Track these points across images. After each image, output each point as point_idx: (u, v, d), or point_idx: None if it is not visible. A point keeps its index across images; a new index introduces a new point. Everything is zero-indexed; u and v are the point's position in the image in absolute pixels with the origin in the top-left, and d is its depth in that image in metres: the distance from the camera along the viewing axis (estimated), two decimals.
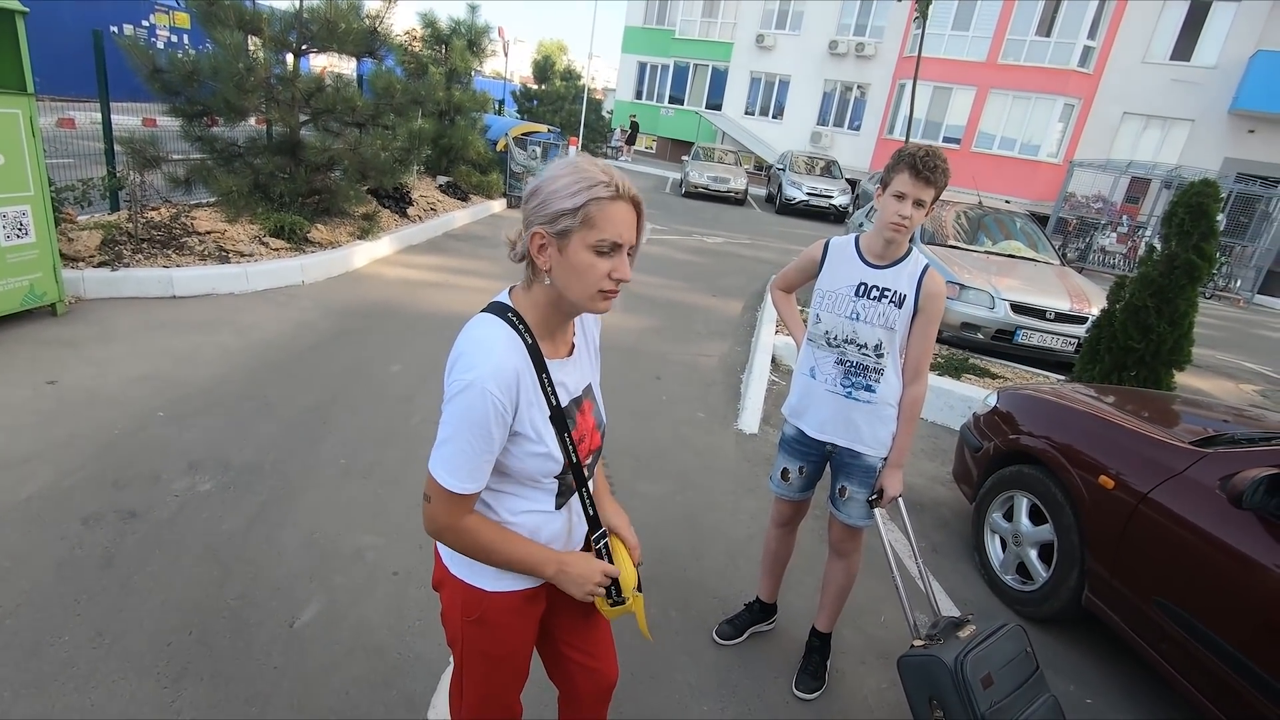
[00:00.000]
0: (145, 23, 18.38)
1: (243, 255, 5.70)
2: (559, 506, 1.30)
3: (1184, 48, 18.46)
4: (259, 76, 6.01)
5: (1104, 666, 2.70)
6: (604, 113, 28.69)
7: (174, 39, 18.44)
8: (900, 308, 2.03)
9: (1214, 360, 8.24)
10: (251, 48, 6.41)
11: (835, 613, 2.41)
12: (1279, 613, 1.97)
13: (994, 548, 3.17)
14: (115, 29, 14.07)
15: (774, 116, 25.58)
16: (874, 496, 2.18)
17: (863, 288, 2.07)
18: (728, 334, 6.45)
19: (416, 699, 2.09)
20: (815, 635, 2.45)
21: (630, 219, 1.13)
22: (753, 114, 26.08)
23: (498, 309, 1.19)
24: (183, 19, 18.42)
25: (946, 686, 1.80)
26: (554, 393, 1.21)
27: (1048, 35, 19.21)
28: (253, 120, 6.69)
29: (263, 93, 6.18)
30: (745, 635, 2.56)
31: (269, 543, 2.66)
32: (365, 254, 6.84)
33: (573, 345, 1.31)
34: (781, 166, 19.22)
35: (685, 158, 20.41)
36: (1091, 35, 18.81)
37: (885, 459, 2.17)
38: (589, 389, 1.36)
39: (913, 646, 1.98)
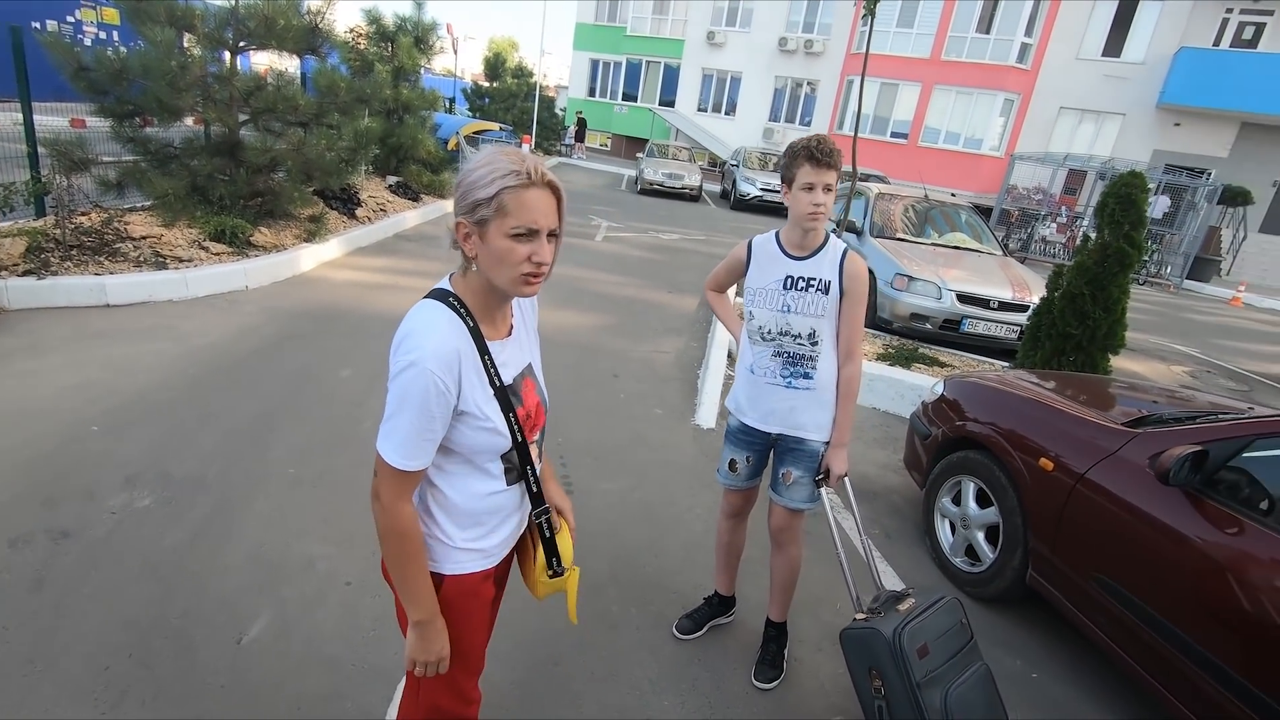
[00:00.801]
0: (71, 19, 17.51)
1: (181, 261, 5.49)
2: (510, 484, 1.34)
3: (1114, 45, 19.29)
4: (193, 74, 5.79)
5: (1049, 642, 2.80)
6: (557, 110, 28.51)
7: (102, 36, 17.62)
8: (827, 294, 2.11)
9: (1147, 344, 8.64)
10: (187, 44, 6.18)
11: (786, 602, 2.45)
12: (1205, 584, 2.08)
13: (944, 531, 3.26)
14: (38, 25, 13.36)
15: (727, 113, 25.80)
16: (821, 477, 2.23)
17: (789, 280, 2.14)
18: (684, 330, 6.48)
19: (372, 709, 2.04)
20: (770, 625, 2.48)
21: (546, 204, 1.18)
22: (705, 110, 26.26)
23: (439, 294, 1.23)
24: (111, 15, 17.61)
25: (884, 657, 1.87)
26: (497, 373, 1.25)
27: (987, 32, 19.83)
28: (190, 120, 6.45)
29: (198, 91, 5.96)
30: (704, 629, 2.58)
31: (213, 557, 2.57)
32: (312, 257, 6.66)
33: (511, 326, 1.35)
34: (735, 162, 19.41)
35: (640, 155, 20.45)
36: (1028, 32, 19.49)
37: (828, 441, 2.22)
38: (529, 368, 1.40)
39: (855, 620, 2.03)
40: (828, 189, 2.01)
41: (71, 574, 2.39)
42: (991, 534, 3.00)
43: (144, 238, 5.62)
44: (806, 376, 2.18)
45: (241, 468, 3.17)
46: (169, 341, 4.41)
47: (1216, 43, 18.27)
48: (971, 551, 3.10)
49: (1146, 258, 15.46)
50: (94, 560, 2.47)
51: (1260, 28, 18.14)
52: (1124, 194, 4.49)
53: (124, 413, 3.48)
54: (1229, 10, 18.19)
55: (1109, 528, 2.42)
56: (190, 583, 2.43)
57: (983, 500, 3.06)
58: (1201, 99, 17.67)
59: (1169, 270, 16.00)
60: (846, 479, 2.25)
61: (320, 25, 6.63)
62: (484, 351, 1.22)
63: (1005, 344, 6.33)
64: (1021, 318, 6.17)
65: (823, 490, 2.26)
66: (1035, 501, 2.73)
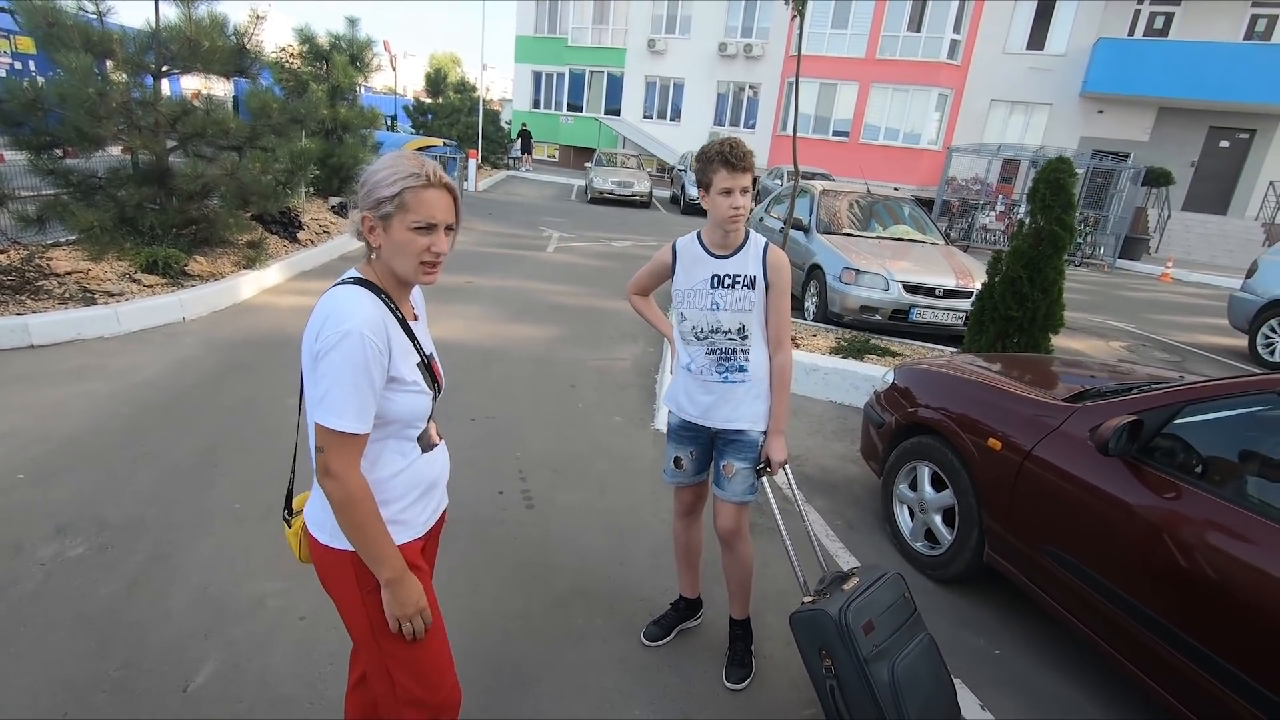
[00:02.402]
0: None
1: (111, 295, 5.26)
2: (423, 452, 1.44)
3: (1037, 38, 20.10)
4: (114, 101, 5.56)
5: (1010, 618, 2.86)
6: (503, 123, 28.35)
7: (18, 66, 16.86)
8: (754, 289, 2.16)
9: (1086, 322, 8.97)
10: (109, 70, 5.93)
11: (745, 599, 2.45)
12: (1147, 548, 2.15)
13: (903, 518, 3.31)
14: None
15: (672, 119, 26.02)
16: (762, 465, 2.25)
17: (715, 279, 2.19)
18: (639, 336, 6.48)
19: None
20: (734, 624, 2.47)
21: (444, 202, 1.33)
22: (651, 118, 26.44)
23: (352, 281, 1.34)
24: (26, 44, 16.83)
25: (832, 635, 1.91)
26: (419, 344, 1.41)
27: (918, 30, 20.46)
28: (118, 149, 6.19)
29: (121, 119, 5.72)
30: (673, 634, 2.57)
31: (154, 604, 2.45)
32: (253, 284, 6.46)
33: (415, 313, 1.47)
34: (683, 168, 19.57)
35: (588, 164, 20.45)
36: (956, 29, 20.17)
37: (766, 431, 2.25)
38: (434, 351, 1.51)
39: (803, 604, 2.06)
40: (744, 191, 2.06)
41: None
42: (948, 516, 3.06)
43: (69, 273, 5.37)
44: (741, 370, 2.22)
45: (183, 508, 3.03)
46: (100, 381, 4.20)
47: (1131, 33, 19.18)
48: (931, 535, 3.15)
49: (1080, 240, 16.09)
50: (22, 617, 2.32)
51: (1170, 17, 19.10)
52: (1053, 179, 4.65)
53: (53, 459, 3.30)
54: (1140, 3, 19.12)
55: (1056, 501, 2.48)
56: (129, 632, 2.30)
57: (938, 484, 3.12)
58: (1120, 86, 18.52)
59: (1102, 251, 16.67)
60: (786, 466, 2.27)
61: (248, 46, 6.44)
62: (404, 325, 1.37)
63: (953, 330, 6.49)
64: (966, 304, 6.33)
65: (764, 480, 2.29)
66: (986, 481, 2.79)
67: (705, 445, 2.36)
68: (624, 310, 7.39)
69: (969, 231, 17.19)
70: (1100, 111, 19.57)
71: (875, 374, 5.13)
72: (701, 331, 2.21)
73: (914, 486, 3.25)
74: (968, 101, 21.06)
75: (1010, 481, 2.66)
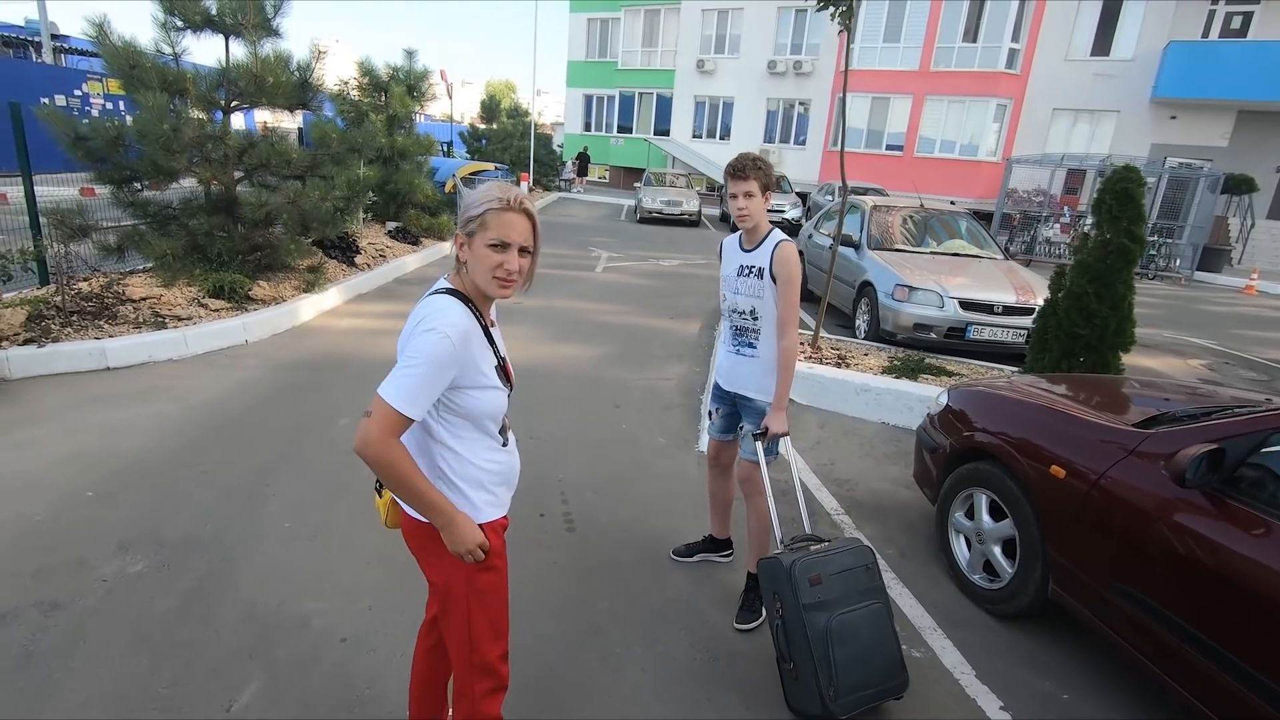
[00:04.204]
0: (78, 92, 18.07)
1: (181, 319, 5.53)
2: (504, 445, 1.63)
3: (1102, 43, 19.33)
4: (187, 136, 5.89)
5: (1078, 659, 2.66)
6: (554, 147, 28.91)
7: (109, 106, 18.15)
8: (761, 278, 2.60)
9: (1161, 339, 8.47)
10: (184, 108, 6.28)
11: (761, 543, 2.76)
12: (1233, 587, 1.96)
13: (960, 547, 3.14)
14: (46, 100, 13.76)
15: (721, 138, 26.04)
16: (760, 432, 2.61)
17: (740, 269, 2.68)
18: (686, 355, 6.42)
19: None
20: (749, 576, 2.81)
21: (521, 225, 1.48)
22: (700, 137, 26.53)
23: (446, 290, 1.51)
24: (117, 86, 18.13)
25: (782, 581, 2.21)
26: (497, 349, 1.57)
27: (974, 41, 19.98)
28: (193, 181, 6.54)
29: (193, 152, 6.05)
30: (696, 558, 3.14)
31: (205, 621, 2.51)
32: (312, 307, 6.70)
33: (493, 320, 1.63)
34: None
35: (637, 184, 20.62)
36: (1015, 38, 19.60)
37: (771, 403, 2.62)
38: (506, 355, 1.66)
39: (773, 554, 2.35)
40: (748, 195, 2.54)
41: (59, 647, 2.33)
42: (1009, 547, 2.88)
43: (144, 299, 5.67)
44: (751, 346, 2.69)
45: (237, 526, 3.12)
46: (167, 402, 4.40)
47: (1205, 34, 18.26)
48: (990, 567, 2.98)
49: (1154, 251, 15.28)
50: (83, 631, 2.41)
51: (1248, 16, 18.12)
52: (1120, 189, 4.41)
53: (119, 478, 3.45)
54: (1214, 3, 18.21)
55: (1127, 535, 2.31)
56: (180, 650, 2.36)
57: (996, 513, 2.95)
58: (1195, 90, 17.60)
59: (1179, 263, 15.79)
60: (788, 440, 2.66)
61: (310, 80, 6.74)
62: (486, 331, 1.53)
63: (1013, 349, 6.21)
64: (1028, 321, 6.05)
65: (759, 447, 2.62)
66: (1050, 511, 2.62)
67: (730, 407, 2.85)
68: (671, 329, 7.36)
69: (1031, 245, 16.55)
70: (1173, 117, 18.63)
71: (930, 395, 4.94)
72: (729, 310, 2.74)
73: (971, 515, 3.09)
74: (1028, 111, 20.38)
75: (1076, 512, 2.49)
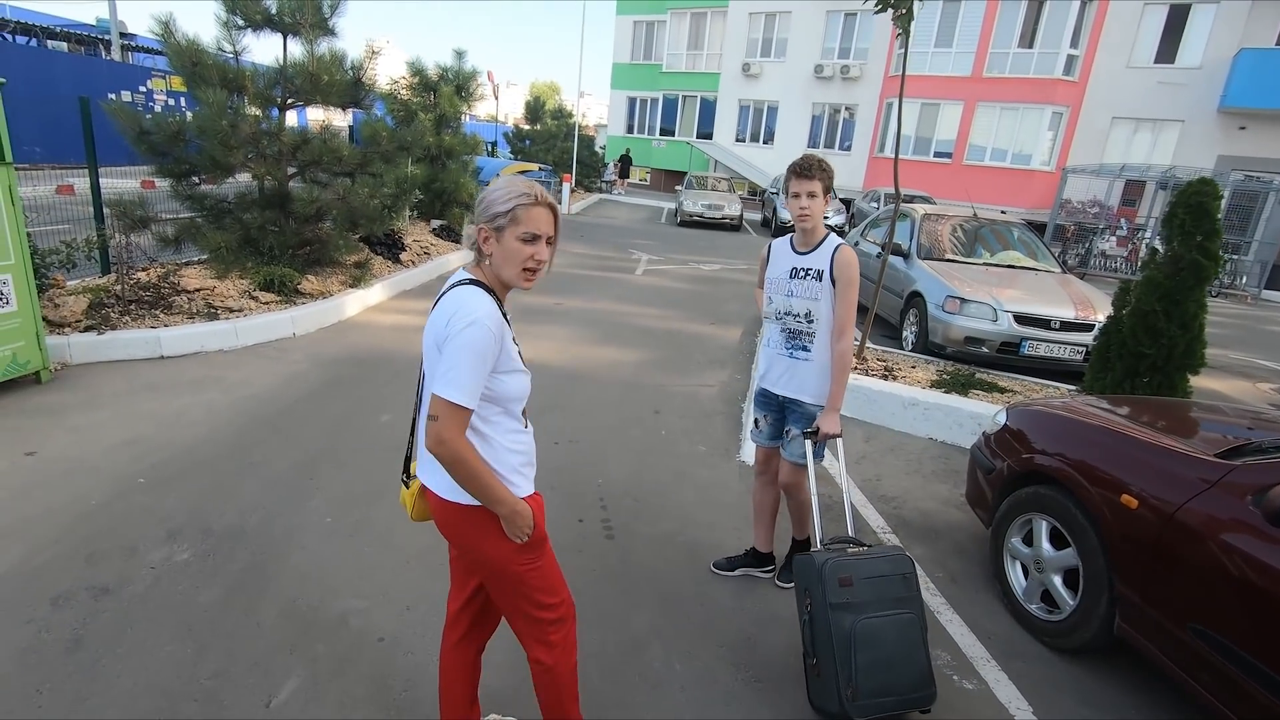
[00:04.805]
0: (143, 88, 18.78)
1: (232, 311, 5.65)
2: (525, 427, 1.70)
3: (1167, 50, 18.59)
4: (244, 132, 6.03)
5: (1145, 700, 2.51)
6: (597, 148, 29.01)
7: (171, 102, 18.82)
8: (820, 281, 2.61)
9: (1227, 360, 8.07)
10: (242, 105, 6.44)
11: (801, 521, 2.93)
12: None
13: (1016, 575, 3.00)
14: (113, 95, 14.31)
15: (764, 142, 25.80)
16: (811, 431, 2.64)
17: (794, 271, 2.68)
18: (727, 362, 6.33)
19: None
20: (795, 542, 3.04)
21: (547, 218, 1.57)
22: (743, 141, 26.32)
23: (472, 282, 1.57)
24: (179, 82, 18.78)
25: (813, 579, 2.24)
26: (515, 339, 1.64)
27: (1030, 47, 19.40)
28: (248, 176, 6.71)
29: (249, 148, 6.19)
30: (737, 571, 3.06)
31: (248, 614, 2.52)
32: (358, 302, 6.79)
33: (507, 310, 1.65)
34: (775, 190, 19.30)
35: (679, 187, 20.54)
36: (1074, 44, 18.98)
37: (823, 406, 2.65)
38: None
39: (810, 551, 2.37)
40: (811, 195, 2.55)
41: (108, 633, 2.37)
42: (1070, 578, 2.73)
43: (198, 290, 5.81)
44: (805, 349, 2.68)
45: (280, 519, 3.15)
46: (217, 392, 4.49)
47: None
48: (1049, 598, 2.83)
49: (1223, 269, 14.61)
50: (130, 618, 2.44)
51: None
52: (1195, 203, 4.19)
53: (170, 466, 3.52)
54: None
55: (1208, 572, 2.15)
56: (223, 641, 2.38)
57: (1058, 540, 2.80)
58: (1268, 100, 16.76)
59: (1245, 280, 15.08)
60: (840, 441, 2.67)
61: (363, 79, 6.85)
62: (508, 322, 1.59)
63: (1070, 366, 5.96)
64: (1086, 337, 5.82)
65: (808, 447, 2.64)
66: (1119, 542, 2.47)
67: (777, 413, 2.84)
68: (713, 335, 7.28)
69: (1085, 258, 15.97)
70: (1242, 128, 17.78)
71: (982, 411, 4.76)
72: (778, 313, 2.72)
73: (1029, 541, 2.94)
74: (1086, 119, 19.71)
75: (1149, 545, 2.34)
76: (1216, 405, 3.55)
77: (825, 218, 2.65)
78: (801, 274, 2.64)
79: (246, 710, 2.11)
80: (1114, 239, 16.03)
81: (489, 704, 2.15)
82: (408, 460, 1.84)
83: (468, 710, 1.88)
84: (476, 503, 1.56)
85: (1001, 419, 3.34)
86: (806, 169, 2.54)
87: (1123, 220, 16.84)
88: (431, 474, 1.62)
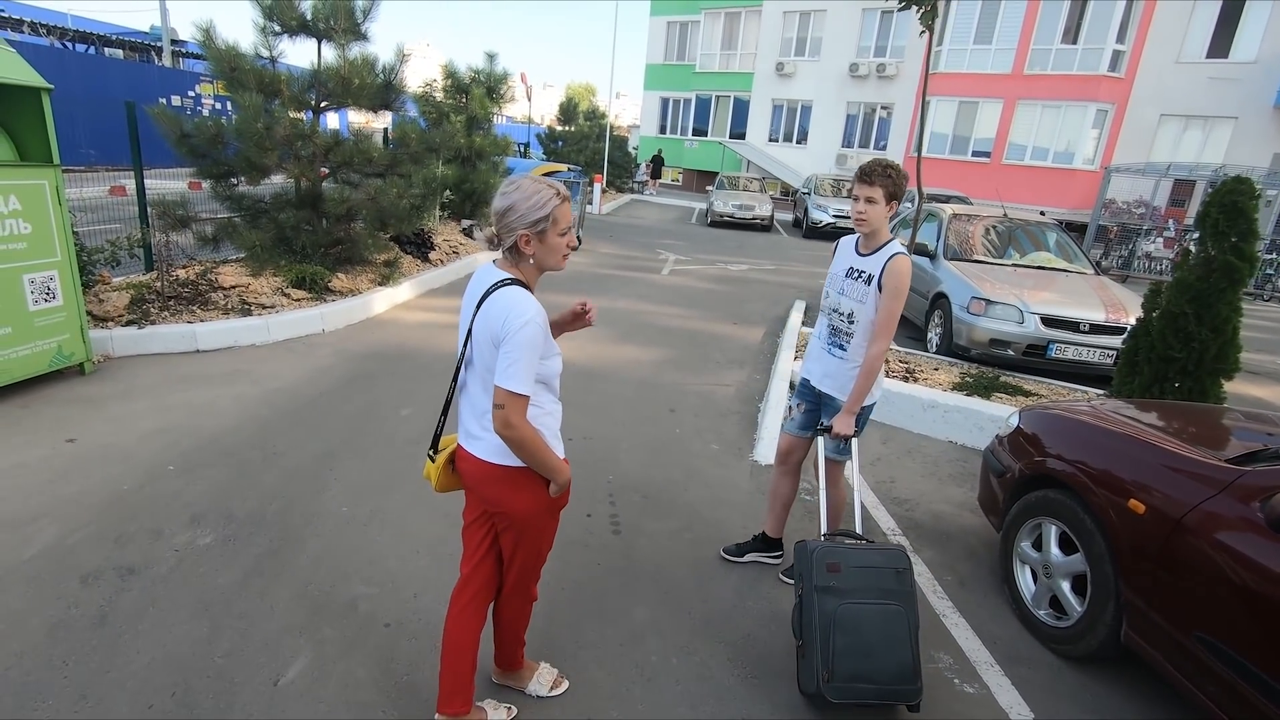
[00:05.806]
0: (191, 93, 19.49)
1: (265, 307, 5.85)
2: (557, 398, 1.96)
3: (1220, 45, 17.89)
4: (279, 134, 6.23)
5: (1152, 709, 2.45)
6: (630, 149, 29.09)
7: (217, 106, 19.48)
8: (869, 285, 2.64)
9: (1273, 366, 7.74)
10: (278, 108, 6.66)
11: (835, 516, 2.83)
12: None
13: (1025, 580, 2.95)
14: (163, 100, 14.88)
15: (798, 142, 25.59)
16: (825, 428, 2.73)
17: (850, 270, 2.73)
18: (747, 362, 6.32)
19: None
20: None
21: (569, 209, 1.80)
22: (776, 141, 26.15)
23: (515, 283, 1.76)
24: (224, 87, 19.41)
25: (804, 562, 2.34)
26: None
27: (1074, 42, 18.88)
28: (283, 177, 6.93)
29: (284, 150, 6.40)
30: (746, 558, 3.13)
31: (263, 596, 2.63)
32: (386, 300, 6.96)
33: None
34: (807, 190, 19.15)
35: (710, 188, 20.50)
36: (1120, 39, 18.41)
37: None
38: None
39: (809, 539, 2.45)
40: (869, 200, 2.58)
41: (131, 611, 2.49)
42: (1078, 584, 2.68)
43: (233, 287, 6.03)
44: (841, 348, 2.75)
45: (299, 507, 3.26)
46: (247, 385, 4.66)
47: None
48: (1057, 604, 2.78)
49: (1271, 270, 14.03)
50: (153, 597, 2.57)
51: None
52: (1229, 202, 4.06)
53: (199, 454, 3.67)
54: None
55: (1212, 580, 2.10)
56: (238, 622, 2.48)
57: (1066, 546, 2.75)
58: None
59: None
60: (854, 442, 2.72)
61: (394, 82, 7.01)
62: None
63: (1099, 370, 5.81)
64: (1118, 341, 5.67)
65: (837, 445, 2.75)
66: (1126, 548, 2.42)
67: (813, 404, 2.92)
68: (734, 335, 7.27)
69: (1129, 260, 15.47)
70: None
71: (1003, 415, 4.67)
72: (829, 308, 2.81)
73: (1039, 546, 2.89)
74: (1132, 117, 19.09)
75: (1155, 551, 2.29)
76: (1251, 411, 3.43)
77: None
78: (855, 275, 2.69)
79: (255, 687, 2.21)
80: (1160, 240, 15.49)
81: (482, 695, 2.21)
82: (436, 437, 2.01)
83: (467, 685, 1.97)
84: (519, 464, 1.78)
85: (1014, 421, 3.29)
86: (868, 174, 2.57)
87: (1171, 221, 16.26)
88: (476, 440, 1.84)
